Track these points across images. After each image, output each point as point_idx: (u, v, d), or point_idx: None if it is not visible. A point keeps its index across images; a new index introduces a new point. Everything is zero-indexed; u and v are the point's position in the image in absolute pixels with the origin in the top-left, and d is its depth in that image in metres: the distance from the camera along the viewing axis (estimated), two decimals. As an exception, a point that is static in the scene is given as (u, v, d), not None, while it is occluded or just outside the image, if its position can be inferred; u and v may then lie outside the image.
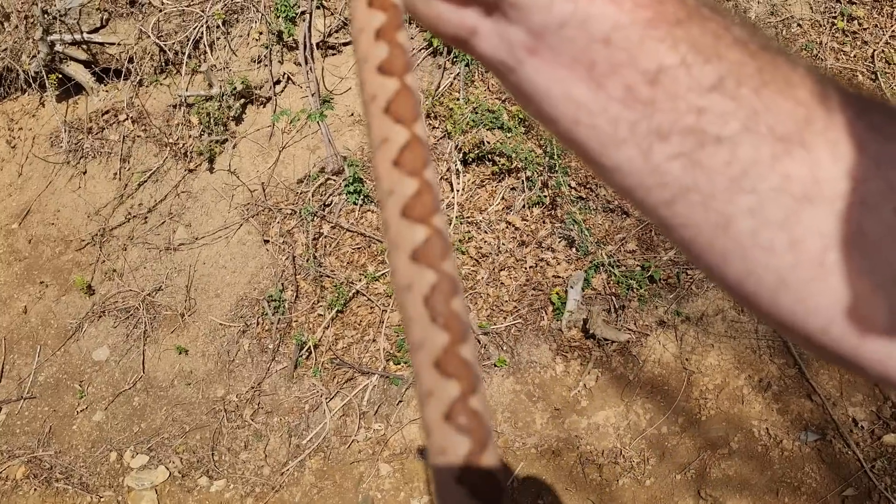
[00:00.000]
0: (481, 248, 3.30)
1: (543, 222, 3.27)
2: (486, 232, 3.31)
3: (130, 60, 3.92)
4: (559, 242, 3.22)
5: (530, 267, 3.21)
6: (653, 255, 3.10)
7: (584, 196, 3.28)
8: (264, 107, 3.81)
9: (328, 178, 3.52)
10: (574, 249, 3.17)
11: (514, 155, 3.24)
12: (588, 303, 3.07)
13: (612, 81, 0.33)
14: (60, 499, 3.15)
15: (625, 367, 2.95)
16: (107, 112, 4.00)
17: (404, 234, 0.30)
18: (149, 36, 3.86)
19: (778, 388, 2.78)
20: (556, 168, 3.20)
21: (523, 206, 3.30)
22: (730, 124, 0.33)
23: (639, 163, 0.34)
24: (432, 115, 3.49)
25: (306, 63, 3.46)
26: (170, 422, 3.27)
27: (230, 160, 3.74)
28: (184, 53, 3.85)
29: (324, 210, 3.49)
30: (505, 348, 3.08)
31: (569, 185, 3.25)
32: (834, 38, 3.35)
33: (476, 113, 3.34)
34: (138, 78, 3.93)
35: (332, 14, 3.76)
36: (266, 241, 3.53)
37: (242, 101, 3.78)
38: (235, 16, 3.90)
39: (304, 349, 3.23)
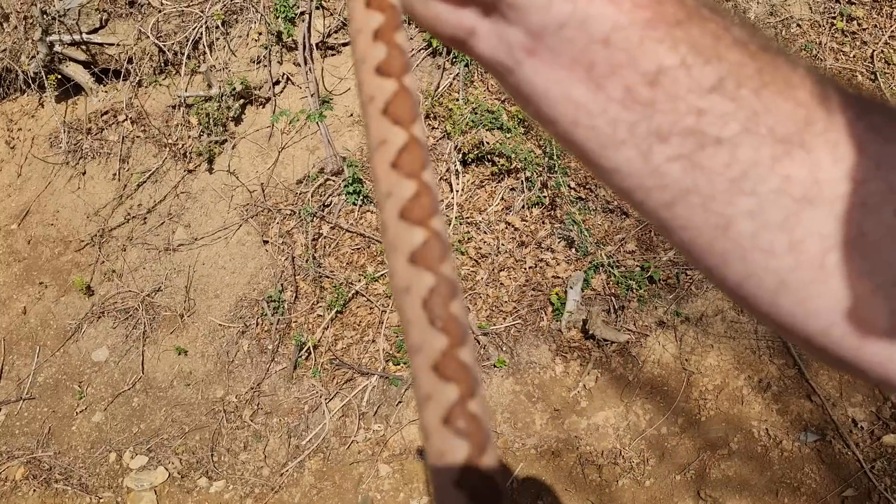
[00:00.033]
0: (481, 248, 3.29)
1: (543, 223, 3.27)
2: (485, 232, 3.31)
3: (130, 61, 3.92)
4: (559, 243, 3.22)
5: (530, 267, 3.21)
6: (652, 256, 3.10)
7: (584, 196, 3.28)
8: (263, 107, 3.81)
9: (327, 179, 3.52)
10: (573, 250, 3.17)
11: (513, 155, 3.24)
12: (587, 303, 3.07)
13: (611, 82, 0.33)
14: (60, 500, 3.15)
15: (624, 367, 2.95)
16: (106, 113, 4.00)
17: (402, 236, 0.30)
18: (148, 36, 3.86)
19: (777, 388, 2.78)
20: (556, 168, 3.20)
21: (523, 207, 3.30)
22: (730, 125, 0.33)
23: (638, 164, 0.34)
24: (432, 115, 3.49)
25: (305, 63, 3.45)
26: (169, 422, 3.26)
27: (229, 161, 3.74)
28: (183, 54, 3.84)
29: (323, 210, 3.49)
30: (504, 349, 3.08)
31: (568, 186, 3.25)
32: (833, 39, 3.35)
33: (475, 113, 3.34)
34: (137, 78, 3.93)
35: (332, 14, 3.76)
36: (265, 242, 3.53)
37: (242, 101, 3.78)
38: (235, 16, 3.90)
39: (304, 350, 3.23)
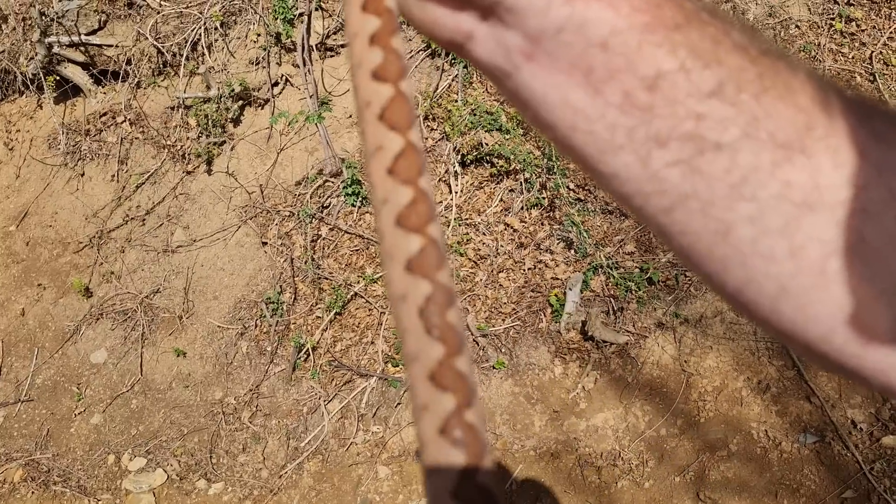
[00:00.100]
0: (480, 249, 3.29)
1: (542, 224, 3.27)
2: (484, 234, 3.31)
3: (128, 62, 3.92)
4: (558, 244, 3.22)
5: (529, 269, 3.21)
6: (651, 257, 3.10)
7: (583, 198, 3.28)
8: (262, 109, 3.80)
9: (326, 180, 3.52)
10: (572, 251, 3.17)
11: (512, 157, 3.24)
12: (586, 305, 3.07)
13: (609, 87, 0.33)
14: (58, 502, 3.14)
15: (623, 369, 2.95)
16: (105, 114, 4.00)
17: (399, 243, 0.29)
18: (147, 38, 3.86)
19: (777, 389, 2.77)
20: (555, 170, 3.20)
21: (522, 208, 3.30)
22: (729, 130, 0.32)
23: (637, 169, 0.34)
24: (431, 116, 3.49)
25: (304, 65, 3.45)
26: (168, 424, 3.26)
27: (228, 162, 3.74)
28: (182, 55, 3.84)
29: (322, 212, 3.49)
30: (503, 350, 3.08)
31: (567, 187, 3.25)
32: (832, 40, 3.35)
33: (474, 115, 3.34)
34: (136, 80, 3.93)
35: (331, 16, 3.76)
36: (264, 244, 3.53)
37: (240, 102, 3.78)
38: (233, 17, 3.90)
39: (303, 351, 3.23)
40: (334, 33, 3.76)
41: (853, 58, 3.30)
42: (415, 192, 0.30)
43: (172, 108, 3.88)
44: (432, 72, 3.60)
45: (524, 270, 3.21)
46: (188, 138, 3.81)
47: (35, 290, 3.76)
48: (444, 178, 3.42)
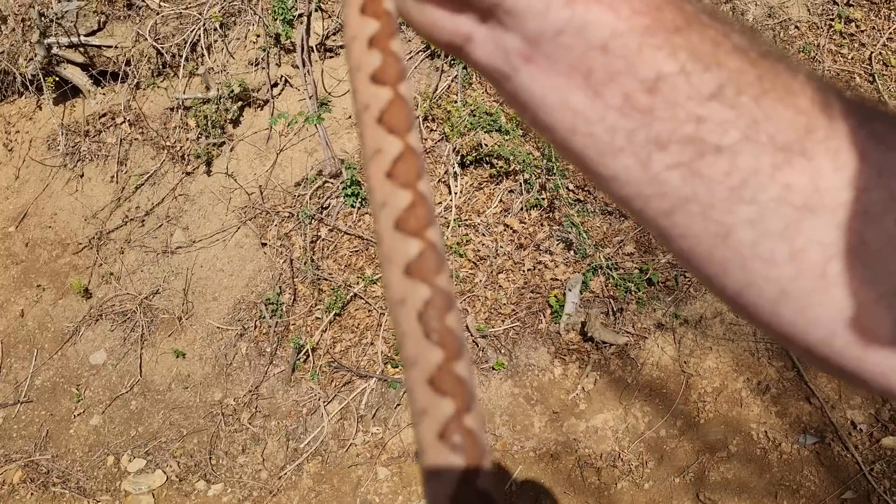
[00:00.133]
0: (479, 250, 3.29)
1: (541, 225, 3.27)
2: (483, 234, 3.31)
3: (128, 63, 3.92)
4: (557, 245, 3.22)
5: (528, 270, 3.21)
6: (651, 258, 3.10)
7: (582, 198, 3.28)
8: (262, 109, 3.80)
9: (326, 181, 3.52)
10: (572, 252, 3.17)
11: (511, 157, 3.24)
12: (586, 305, 3.06)
13: (609, 89, 0.33)
14: (57, 503, 3.14)
15: (623, 370, 2.95)
16: (104, 115, 4.00)
17: (398, 247, 0.29)
18: (146, 39, 3.86)
19: (776, 390, 2.77)
20: (554, 170, 3.20)
21: (521, 209, 3.30)
22: (729, 133, 0.32)
23: (637, 172, 0.34)
24: (430, 117, 3.49)
25: (304, 66, 3.45)
26: (167, 425, 3.26)
27: (227, 163, 3.74)
28: (181, 56, 3.84)
29: (321, 213, 3.49)
30: (503, 351, 3.08)
31: (567, 188, 3.25)
32: (831, 41, 3.35)
33: (474, 115, 3.34)
34: (135, 81, 3.92)
35: (330, 17, 3.76)
36: (264, 244, 3.53)
37: (240, 103, 3.78)
38: (233, 18, 3.90)
39: (302, 352, 3.23)
40: (334, 34, 3.76)
41: (852, 58, 3.30)
42: (414, 196, 0.30)
43: (172, 109, 3.88)
44: (432, 73, 3.60)
45: (524, 271, 3.21)
46: (187, 139, 3.80)
47: (34, 291, 3.76)
48: (443, 179, 3.42)
